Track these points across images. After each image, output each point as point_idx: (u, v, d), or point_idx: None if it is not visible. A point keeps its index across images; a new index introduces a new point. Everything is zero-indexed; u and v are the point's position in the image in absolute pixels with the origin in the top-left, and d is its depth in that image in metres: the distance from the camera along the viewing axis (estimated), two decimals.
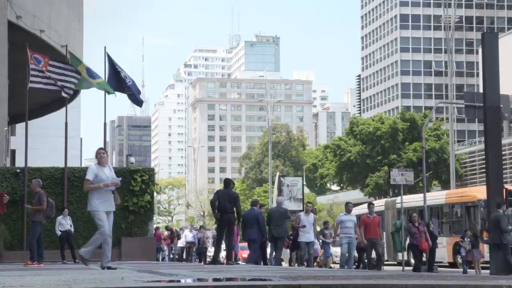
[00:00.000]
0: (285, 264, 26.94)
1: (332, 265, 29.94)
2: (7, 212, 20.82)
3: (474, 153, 69.56)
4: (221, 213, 16.87)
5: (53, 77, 21.62)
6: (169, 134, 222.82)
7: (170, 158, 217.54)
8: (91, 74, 22.43)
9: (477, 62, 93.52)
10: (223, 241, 17.97)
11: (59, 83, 21.76)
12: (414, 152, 66.14)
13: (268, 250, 24.09)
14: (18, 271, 12.60)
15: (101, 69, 23.06)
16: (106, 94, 22.88)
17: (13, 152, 38.67)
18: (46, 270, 12.80)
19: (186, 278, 8.38)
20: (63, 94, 22.02)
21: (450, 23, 54.46)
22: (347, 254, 21.23)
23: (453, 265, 30.25)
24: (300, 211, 46.39)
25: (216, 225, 18.20)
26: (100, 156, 12.71)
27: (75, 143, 49.27)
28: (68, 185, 22.21)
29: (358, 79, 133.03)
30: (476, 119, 65.08)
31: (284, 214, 20.81)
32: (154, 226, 41.29)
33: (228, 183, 17.52)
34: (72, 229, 21.41)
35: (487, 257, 23.11)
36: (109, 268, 12.13)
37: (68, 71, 21.96)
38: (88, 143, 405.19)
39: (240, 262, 33.37)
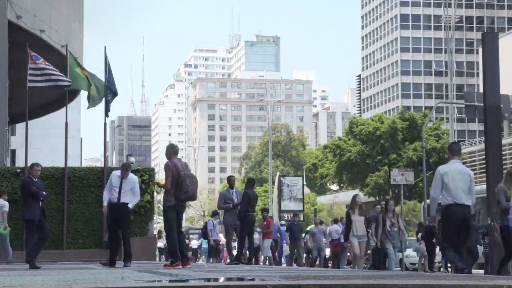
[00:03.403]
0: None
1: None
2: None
3: (474, 153, 69.53)
4: (247, 213, 17.31)
5: (50, 73, 21.41)
6: (169, 134, 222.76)
7: None
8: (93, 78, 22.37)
9: (477, 62, 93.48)
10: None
11: (55, 77, 21.50)
12: (415, 152, 66.07)
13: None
14: (18, 271, 12.60)
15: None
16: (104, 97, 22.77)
17: (13, 152, 38.69)
18: (46, 270, 12.80)
19: (186, 278, 8.39)
20: (60, 83, 21.59)
21: (450, 23, 54.48)
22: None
23: None
24: (300, 211, 46.53)
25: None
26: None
27: (75, 143, 49.22)
28: (68, 185, 22.18)
29: (358, 79, 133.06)
30: (476, 119, 65.06)
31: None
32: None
33: (254, 183, 18.58)
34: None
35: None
36: None
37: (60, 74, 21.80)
38: (88, 143, 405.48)
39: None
